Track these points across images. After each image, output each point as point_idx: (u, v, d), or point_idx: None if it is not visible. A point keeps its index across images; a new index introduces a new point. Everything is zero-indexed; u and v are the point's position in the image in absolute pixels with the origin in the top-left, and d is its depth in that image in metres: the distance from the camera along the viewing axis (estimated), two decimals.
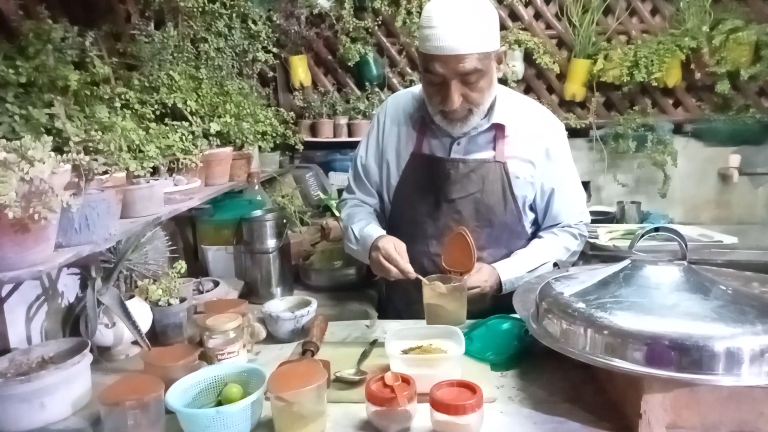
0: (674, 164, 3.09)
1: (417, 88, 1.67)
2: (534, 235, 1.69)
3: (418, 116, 1.60)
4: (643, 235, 1.13)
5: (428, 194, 1.58)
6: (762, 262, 2.25)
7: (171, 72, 1.73)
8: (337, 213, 2.29)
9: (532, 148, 1.57)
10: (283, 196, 2.39)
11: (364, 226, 1.60)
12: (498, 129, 1.55)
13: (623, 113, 3.23)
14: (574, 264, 1.78)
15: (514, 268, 1.56)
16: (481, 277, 1.48)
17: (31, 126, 1.13)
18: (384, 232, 1.58)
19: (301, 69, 3.14)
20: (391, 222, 1.69)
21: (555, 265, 1.66)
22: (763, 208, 3.25)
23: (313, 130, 3.14)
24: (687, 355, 0.89)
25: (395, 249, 1.45)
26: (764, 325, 0.91)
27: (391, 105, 1.70)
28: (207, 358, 1.23)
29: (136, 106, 1.53)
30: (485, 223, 1.57)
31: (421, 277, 1.44)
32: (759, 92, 3.17)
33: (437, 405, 0.97)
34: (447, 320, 1.39)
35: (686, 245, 1.10)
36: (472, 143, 1.56)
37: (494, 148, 1.56)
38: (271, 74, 2.93)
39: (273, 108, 2.62)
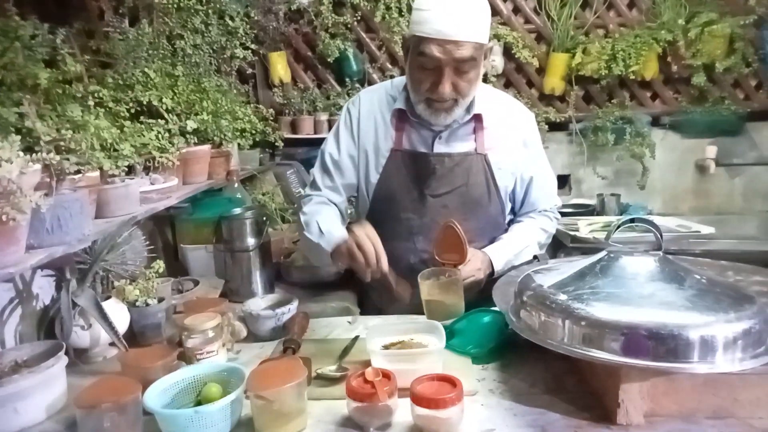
0: (652, 156, 3.13)
1: (390, 83, 1.66)
2: (509, 224, 1.71)
3: (395, 110, 1.58)
4: (618, 227, 1.14)
5: (412, 190, 1.57)
6: (738, 252, 2.29)
7: (146, 69, 1.70)
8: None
9: (509, 138, 1.60)
10: (263, 194, 2.37)
11: (333, 223, 1.53)
12: (477, 120, 1.56)
13: (602, 106, 3.26)
14: (553, 255, 1.80)
15: (503, 252, 1.59)
16: (474, 265, 1.49)
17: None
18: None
19: (280, 65, 3.11)
20: (372, 219, 1.67)
21: (535, 257, 1.67)
22: (739, 198, 3.31)
23: (294, 126, 3.12)
24: (663, 344, 0.90)
25: (370, 239, 1.38)
26: (738, 312, 0.93)
27: (365, 100, 1.65)
28: (186, 358, 1.21)
29: (110, 105, 1.50)
30: (471, 216, 1.57)
31: (388, 274, 1.41)
32: (734, 84, 3.22)
33: (418, 399, 0.97)
34: (447, 313, 1.39)
35: (662, 236, 1.11)
36: (454, 136, 1.56)
37: (475, 140, 1.57)
38: (249, 71, 2.90)
39: (252, 105, 2.60)
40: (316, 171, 1.69)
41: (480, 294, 1.52)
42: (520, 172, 1.63)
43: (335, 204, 1.64)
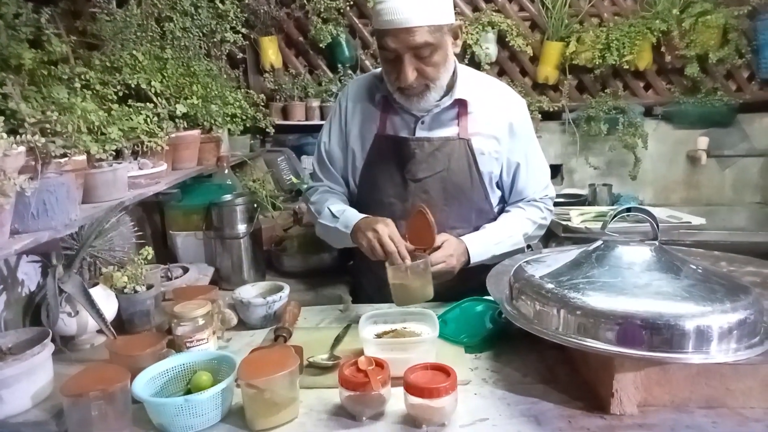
0: (645, 147, 3.13)
1: (380, 69, 1.64)
2: (501, 213, 1.69)
3: (380, 97, 1.57)
4: (615, 216, 1.13)
5: (395, 175, 1.56)
6: (729, 243, 2.30)
7: (134, 52, 1.66)
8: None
9: (495, 123, 1.56)
10: (254, 181, 2.33)
11: (343, 207, 1.57)
12: (461, 105, 1.53)
13: (595, 96, 3.25)
14: (545, 245, 1.79)
15: (481, 241, 1.54)
16: (446, 252, 1.45)
17: None
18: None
19: (271, 50, 3.07)
20: (359, 205, 1.66)
21: (528, 247, 1.66)
22: (730, 189, 3.33)
23: (285, 113, 3.09)
24: (658, 334, 0.90)
25: (394, 241, 1.38)
26: (733, 303, 0.92)
27: (352, 88, 1.68)
28: (176, 346, 1.20)
29: (98, 87, 1.46)
30: (453, 202, 1.56)
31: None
32: (726, 75, 3.22)
33: (411, 388, 0.96)
34: (414, 298, 1.37)
35: (658, 226, 1.10)
36: (436, 121, 1.55)
37: (458, 125, 1.54)
38: (240, 56, 2.85)
39: (243, 90, 2.55)
40: (314, 163, 1.74)
41: (465, 283, 1.51)
42: (506, 157, 1.59)
43: (335, 190, 1.68)
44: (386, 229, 1.38)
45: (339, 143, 1.65)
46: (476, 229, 1.62)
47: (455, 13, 3.34)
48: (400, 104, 1.53)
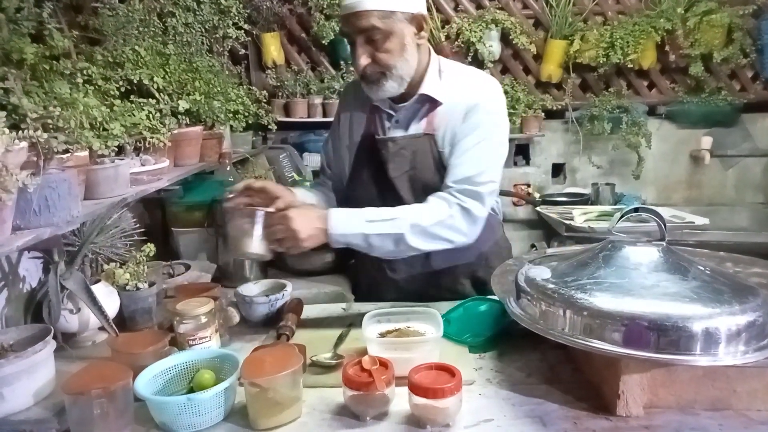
0: (648, 146, 3.12)
1: None
2: None
3: (367, 96, 1.53)
4: (623, 216, 1.12)
5: (374, 175, 1.55)
6: (732, 243, 2.30)
7: (136, 47, 1.65)
8: None
9: (455, 114, 1.46)
10: (255, 178, 2.32)
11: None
12: (430, 102, 1.48)
13: (598, 95, 3.24)
14: (548, 244, 1.74)
15: (348, 213, 1.35)
16: (285, 213, 1.28)
17: None
18: (309, 195, 1.56)
19: (273, 47, 3.06)
20: (352, 206, 1.66)
21: (533, 246, 1.64)
22: (732, 189, 3.32)
23: (287, 109, 3.08)
24: (665, 335, 0.89)
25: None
26: (742, 305, 0.92)
27: (348, 89, 1.68)
28: (178, 344, 1.19)
29: (100, 82, 1.45)
30: (423, 200, 1.44)
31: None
32: (731, 75, 3.22)
33: (415, 388, 0.95)
34: (236, 249, 1.30)
35: (665, 226, 1.09)
36: (409, 119, 1.51)
37: (426, 121, 1.49)
38: (242, 52, 2.84)
39: (245, 87, 2.54)
40: (320, 159, 1.75)
41: (474, 282, 1.50)
42: (454, 144, 1.46)
43: (335, 190, 1.67)
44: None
45: (335, 144, 1.66)
46: None
47: (458, 10, 3.33)
48: (381, 103, 1.50)
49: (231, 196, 1.36)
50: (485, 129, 1.43)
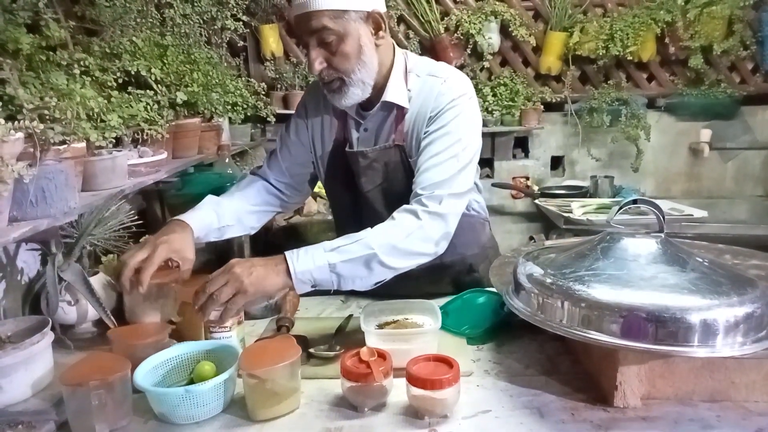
0: (647, 138, 3.12)
1: None
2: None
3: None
4: (621, 207, 1.12)
5: (348, 189, 1.49)
6: (730, 235, 2.30)
7: (134, 38, 1.64)
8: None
9: (420, 118, 1.38)
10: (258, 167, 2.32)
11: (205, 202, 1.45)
12: (397, 109, 1.39)
13: (598, 87, 3.23)
14: (547, 237, 1.72)
15: (308, 249, 1.19)
16: (222, 271, 1.14)
17: None
18: (204, 215, 1.42)
19: (272, 38, 3.05)
20: (334, 213, 1.63)
21: (531, 238, 1.64)
22: (731, 182, 3.32)
23: (286, 102, 3.07)
24: (664, 327, 0.89)
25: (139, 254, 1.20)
26: (740, 296, 0.92)
27: (316, 90, 1.50)
28: (189, 334, 1.18)
29: (97, 74, 1.44)
30: None
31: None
32: (730, 67, 3.21)
33: (414, 380, 0.95)
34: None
35: (664, 218, 1.09)
36: (377, 127, 1.42)
37: (396, 130, 1.40)
38: (241, 44, 2.83)
39: (243, 78, 2.53)
40: (266, 157, 1.62)
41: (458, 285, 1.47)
42: (421, 150, 1.36)
43: (275, 186, 1.56)
44: (154, 243, 1.23)
45: (297, 146, 1.54)
46: None
47: (458, 2, 3.31)
48: (347, 109, 1.41)
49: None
50: (454, 131, 1.32)
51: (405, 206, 1.28)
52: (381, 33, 1.32)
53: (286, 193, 1.58)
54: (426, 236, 1.24)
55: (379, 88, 1.37)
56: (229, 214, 1.47)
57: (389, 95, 1.37)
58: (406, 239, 1.22)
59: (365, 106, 1.40)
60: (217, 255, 1.86)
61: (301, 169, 1.56)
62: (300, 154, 1.54)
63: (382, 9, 1.32)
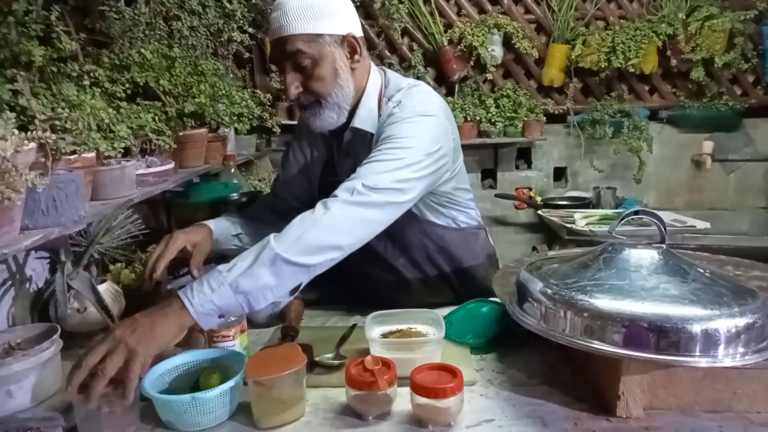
0: (649, 150, 3.13)
1: None
2: (453, 221, 1.51)
3: None
4: (623, 218, 1.14)
5: None
6: (733, 247, 2.31)
7: (142, 50, 1.67)
8: None
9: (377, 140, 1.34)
10: (259, 180, 2.35)
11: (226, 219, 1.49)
12: (370, 135, 1.37)
13: (600, 99, 3.25)
14: (549, 247, 1.72)
15: (200, 281, 1.06)
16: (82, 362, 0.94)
17: None
18: (218, 225, 1.45)
19: None
20: None
21: (534, 249, 1.65)
22: (733, 193, 3.33)
23: (291, 113, 3.10)
24: (665, 337, 0.90)
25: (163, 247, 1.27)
26: (741, 307, 0.92)
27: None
28: (195, 340, 1.19)
29: (106, 85, 1.47)
30: (388, 234, 1.32)
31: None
32: (732, 80, 3.23)
33: (418, 388, 0.96)
34: None
35: (665, 229, 1.10)
36: (356, 153, 1.40)
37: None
38: (246, 55, 2.86)
39: (249, 90, 2.56)
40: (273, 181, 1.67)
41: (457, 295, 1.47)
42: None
43: (285, 207, 1.56)
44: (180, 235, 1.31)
45: (296, 171, 1.58)
46: (421, 243, 1.47)
47: (461, 15, 3.34)
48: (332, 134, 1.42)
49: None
50: (396, 137, 1.25)
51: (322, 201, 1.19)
52: (356, 57, 1.32)
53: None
54: (334, 226, 1.13)
55: (352, 112, 1.36)
56: (245, 224, 1.52)
57: (357, 121, 1.36)
58: (309, 230, 1.11)
59: (344, 128, 1.39)
60: None
61: (305, 188, 1.58)
62: (300, 176, 1.57)
63: (358, 33, 1.32)
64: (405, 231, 1.43)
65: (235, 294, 1.04)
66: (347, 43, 1.30)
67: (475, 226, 1.58)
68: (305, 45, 1.24)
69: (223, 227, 1.47)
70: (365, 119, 1.36)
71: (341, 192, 1.17)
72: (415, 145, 1.25)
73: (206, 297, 1.02)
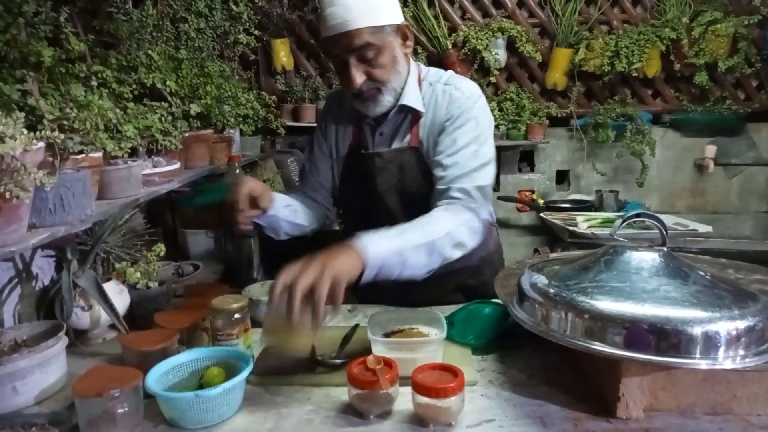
0: (652, 154, 3.14)
1: None
2: None
3: (351, 107, 1.53)
4: (625, 221, 1.14)
5: (362, 189, 1.55)
6: (735, 251, 2.31)
7: (150, 51, 1.68)
8: None
9: (437, 122, 1.47)
10: (264, 181, 2.36)
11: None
12: (413, 113, 1.48)
13: (603, 103, 3.26)
14: (552, 250, 1.74)
15: (379, 234, 1.21)
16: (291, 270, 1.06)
17: (2, 102, 1.09)
18: (285, 198, 1.53)
19: (283, 52, 3.10)
20: (343, 220, 1.69)
21: (536, 251, 1.66)
22: (735, 197, 3.33)
23: (295, 114, 3.11)
24: (666, 338, 0.90)
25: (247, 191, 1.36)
26: (742, 310, 0.93)
27: (328, 103, 1.66)
28: (199, 338, 1.20)
29: (114, 86, 1.49)
30: (412, 213, 1.39)
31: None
32: (735, 84, 3.23)
33: (419, 388, 0.97)
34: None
35: (666, 231, 1.11)
36: (393, 131, 1.50)
37: (411, 133, 1.49)
38: (252, 57, 2.88)
39: (255, 91, 2.58)
40: (299, 175, 1.74)
41: (464, 291, 1.51)
42: (441, 150, 1.43)
43: (316, 200, 1.65)
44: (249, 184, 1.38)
45: (322, 153, 1.63)
46: None
47: (465, 18, 3.36)
48: (363, 115, 1.49)
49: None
50: (471, 130, 1.42)
51: (443, 202, 1.36)
52: (408, 43, 1.42)
53: (324, 205, 1.66)
54: (472, 228, 1.34)
55: (397, 95, 1.45)
56: (294, 199, 1.58)
57: (406, 99, 1.44)
58: (459, 228, 1.30)
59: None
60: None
61: (330, 178, 1.64)
62: (325, 165, 1.63)
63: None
64: None
65: (399, 259, 1.19)
66: (400, 30, 1.39)
67: (491, 222, 1.66)
68: (372, 37, 1.32)
69: (278, 196, 1.51)
70: (413, 98, 1.45)
71: (460, 194, 1.36)
72: (489, 140, 1.46)
73: (380, 255, 1.16)
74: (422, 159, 1.48)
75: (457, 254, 1.32)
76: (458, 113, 1.43)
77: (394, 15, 1.36)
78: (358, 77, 1.36)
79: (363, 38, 1.31)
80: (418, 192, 1.47)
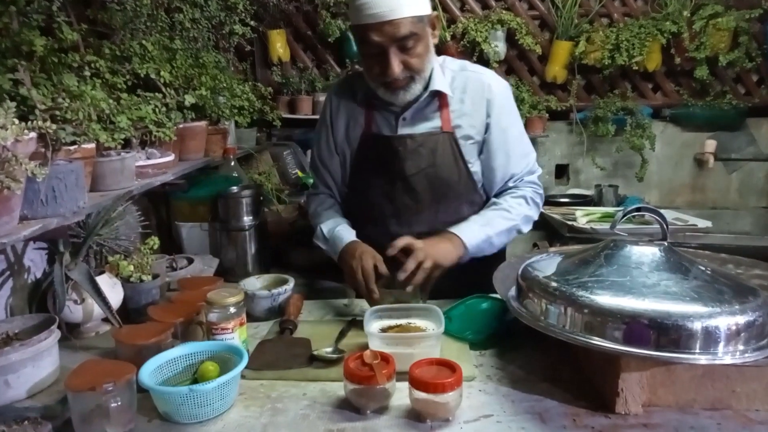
0: (652, 148, 3.12)
1: (361, 69, 1.61)
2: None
3: (363, 95, 1.56)
4: (626, 215, 1.13)
5: (382, 174, 1.55)
6: (735, 246, 2.29)
7: (144, 42, 1.66)
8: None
9: (474, 108, 1.52)
10: (259, 174, 2.34)
11: (334, 227, 1.56)
12: (440, 97, 1.51)
13: (603, 97, 3.24)
14: (550, 244, 1.75)
15: (469, 225, 1.49)
16: (416, 258, 1.35)
17: None
18: (353, 234, 1.54)
19: (279, 44, 3.07)
20: (348, 205, 1.67)
21: (535, 245, 1.66)
22: (736, 193, 3.32)
23: (292, 106, 3.09)
24: (665, 334, 0.90)
25: (371, 266, 1.39)
26: (742, 304, 0.92)
27: (337, 90, 1.66)
28: (193, 332, 1.19)
29: (107, 76, 1.46)
30: (442, 197, 1.53)
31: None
32: (736, 79, 3.21)
33: (416, 383, 0.96)
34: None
35: (667, 226, 1.10)
36: (418, 116, 1.52)
37: (441, 118, 1.52)
38: (248, 48, 2.85)
39: (250, 83, 2.55)
40: (310, 169, 1.76)
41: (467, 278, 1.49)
42: (483, 137, 1.54)
43: (334, 195, 1.69)
44: (360, 263, 1.39)
45: (329, 147, 1.65)
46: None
47: (465, 10, 3.34)
48: (382, 102, 1.50)
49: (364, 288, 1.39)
50: (513, 116, 1.58)
51: (512, 188, 1.58)
52: (435, 32, 1.46)
53: (339, 199, 1.71)
54: (538, 205, 1.62)
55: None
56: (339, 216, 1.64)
57: (436, 84, 1.48)
58: (531, 209, 1.58)
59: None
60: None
61: (340, 173, 1.66)
62: (335, 162, 1.65)
63: None
64: (459, 207, 1.58)
65: (489, 244, 1.49)
66: (430, 20, 1.42)
67: None
68: (414, 26, 1.34)
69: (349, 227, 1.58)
70: (441, 83, 1.50)
71: (532, 183, 1.61)
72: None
73: (477, 243, 1.46)
74: (456, 143, 1.52)
75: (528, 229, 1.59)
76: (499, 99, 1.53)
77: (428, 5, 1.40)
78: (397, 66, 1.37)
79: (408, 27, 1.33)
80: (448, 176, 1.52)
